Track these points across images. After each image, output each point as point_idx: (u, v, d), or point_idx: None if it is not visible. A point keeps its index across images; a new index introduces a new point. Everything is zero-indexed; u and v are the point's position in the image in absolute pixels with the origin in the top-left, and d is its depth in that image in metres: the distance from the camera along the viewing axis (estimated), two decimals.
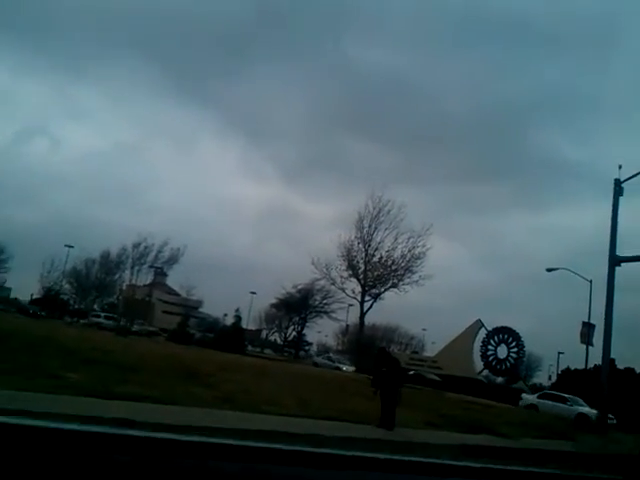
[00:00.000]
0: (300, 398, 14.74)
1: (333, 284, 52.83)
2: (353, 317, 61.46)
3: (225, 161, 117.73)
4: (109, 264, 73.09)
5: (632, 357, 54.44)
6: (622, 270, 23.81)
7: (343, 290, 52.23)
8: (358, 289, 50.08)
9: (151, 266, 67.58)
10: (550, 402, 30.64)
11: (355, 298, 51.32)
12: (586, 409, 29.56)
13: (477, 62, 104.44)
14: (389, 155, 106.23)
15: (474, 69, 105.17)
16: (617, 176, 24.42)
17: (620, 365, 48.55)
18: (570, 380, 50.57)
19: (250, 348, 51.32)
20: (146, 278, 68.93)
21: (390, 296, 50.08)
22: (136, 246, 66.27)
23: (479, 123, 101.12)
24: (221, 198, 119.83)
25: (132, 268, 67.52)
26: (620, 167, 24.41)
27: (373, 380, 14.05)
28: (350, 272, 50.08)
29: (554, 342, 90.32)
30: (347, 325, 69.40)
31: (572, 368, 56.22)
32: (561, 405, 25.96)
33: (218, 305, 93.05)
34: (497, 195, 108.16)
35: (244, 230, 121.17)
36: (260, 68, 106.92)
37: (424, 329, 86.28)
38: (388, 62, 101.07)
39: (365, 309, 50.26)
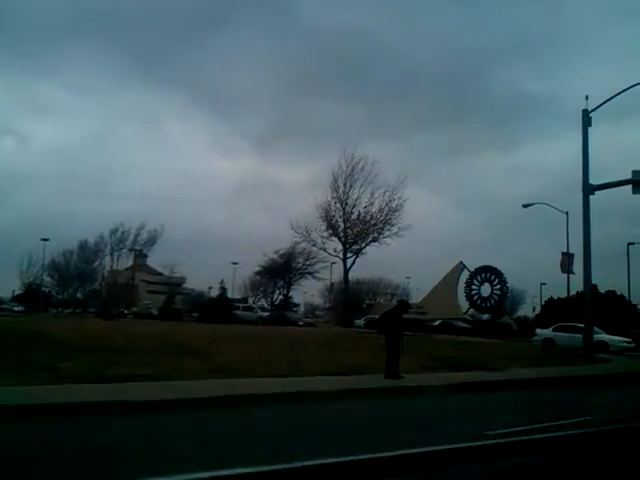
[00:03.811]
0: (298, 359, 14.93)
1: (314, 245, 53.20)
2: (337, 274, 61.96)
3: (195, 138, 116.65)
4: (88, 253, 72.57)
5: (613, 281, 55.90)
6: (596, 198, 24.14)
7: (325, 250, 52.68)
8: (339, 247, 50.57)
9: (131, 249, 67.18)
10: (566, 334, 30.42)
11: (337, 256, 51.82)
12: (604, 336, 29.97)
13: (439, 11, 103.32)
14: (358, 112, 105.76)
15: (437, 18, 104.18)
16: (585, 107, 24.46)
17: (602, 289, 49.90)
18: (554, 309, 51.79)
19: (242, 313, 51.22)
20: (127, 262, 68.62)
21: (372, 250, 50.70)
22: (113, 232, 65.93)
23: (446, 70, 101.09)
24: (195, 175, 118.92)
25: (112, 254, 67.18)
26: (587, 98, 24.44)
27: (379, 329, 14.60)
28: (330, 232, 50.43)
29: (536, 275, 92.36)
30: (332, 283, 69.98)
31: (555, 297, 57.46)
32: (578, 336, 25.90)
33: (202, 279, 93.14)
34: (470, 138, 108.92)
35: (221, 204, 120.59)
36: (222, 40, 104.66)
37: (408, 277, 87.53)
38: (350, 20, 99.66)
39: (348, 265, 50.80)
